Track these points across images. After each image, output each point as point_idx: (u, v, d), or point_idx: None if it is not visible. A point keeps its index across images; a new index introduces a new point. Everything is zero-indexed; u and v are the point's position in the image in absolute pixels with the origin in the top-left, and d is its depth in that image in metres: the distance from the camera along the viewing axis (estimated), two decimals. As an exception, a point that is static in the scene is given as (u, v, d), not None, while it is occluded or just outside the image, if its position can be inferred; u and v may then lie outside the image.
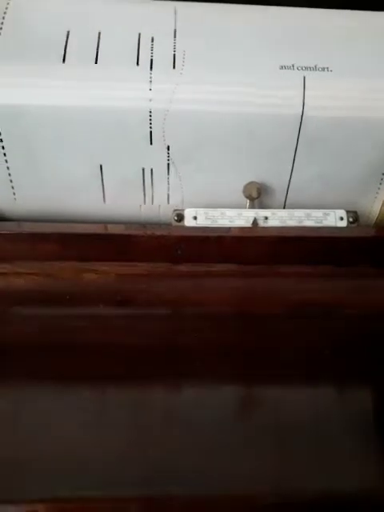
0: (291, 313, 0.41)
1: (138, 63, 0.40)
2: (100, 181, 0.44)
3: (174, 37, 0.42)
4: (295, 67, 0.41)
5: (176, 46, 0.41)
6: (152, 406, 0.37)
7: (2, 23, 0.41)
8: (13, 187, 0.44)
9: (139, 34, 0.42)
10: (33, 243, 0.41)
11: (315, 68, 0.41)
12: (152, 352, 0.40)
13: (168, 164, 0.43)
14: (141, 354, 0.40)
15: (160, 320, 0.41)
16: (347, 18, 0.45)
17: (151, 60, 0.41)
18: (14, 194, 0.44)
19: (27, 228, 0.42)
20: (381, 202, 0.45)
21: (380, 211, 0.46)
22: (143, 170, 0.43)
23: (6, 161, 0.42)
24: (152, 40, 0.41)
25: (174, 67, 0.41)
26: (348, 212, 0.44)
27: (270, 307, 0.42)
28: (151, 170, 0.43)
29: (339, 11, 0.45)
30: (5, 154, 0.42)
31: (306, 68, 0.41)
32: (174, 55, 0.41)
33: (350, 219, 0.44)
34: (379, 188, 0.45)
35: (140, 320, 0.41)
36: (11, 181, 0.43)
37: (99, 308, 0.41)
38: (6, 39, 0.40)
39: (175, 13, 0.43)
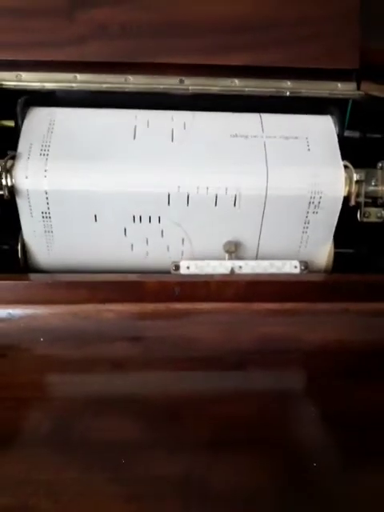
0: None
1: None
2: (121, 244, 0.58)
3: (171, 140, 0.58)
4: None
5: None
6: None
7: (52, 133, 0.56)
8: (47, 245, 0.58)
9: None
10: (67, 289, 0.54)
11: None
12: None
13: (172, 231, 0.58)
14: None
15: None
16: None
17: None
18: (48, 247, 0.58)
19: (62, 278, 0.55)
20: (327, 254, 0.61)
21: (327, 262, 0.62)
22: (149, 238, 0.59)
23: (52, 231, 0.57)
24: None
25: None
26: (300, 262, 0.59)
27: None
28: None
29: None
30: (52, 227, 0.56)
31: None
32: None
33: (302, 267, 0.59)
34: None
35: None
36: (48, 242, 0.58)
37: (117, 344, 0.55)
38: (56, 145, 0.56)
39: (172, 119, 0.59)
